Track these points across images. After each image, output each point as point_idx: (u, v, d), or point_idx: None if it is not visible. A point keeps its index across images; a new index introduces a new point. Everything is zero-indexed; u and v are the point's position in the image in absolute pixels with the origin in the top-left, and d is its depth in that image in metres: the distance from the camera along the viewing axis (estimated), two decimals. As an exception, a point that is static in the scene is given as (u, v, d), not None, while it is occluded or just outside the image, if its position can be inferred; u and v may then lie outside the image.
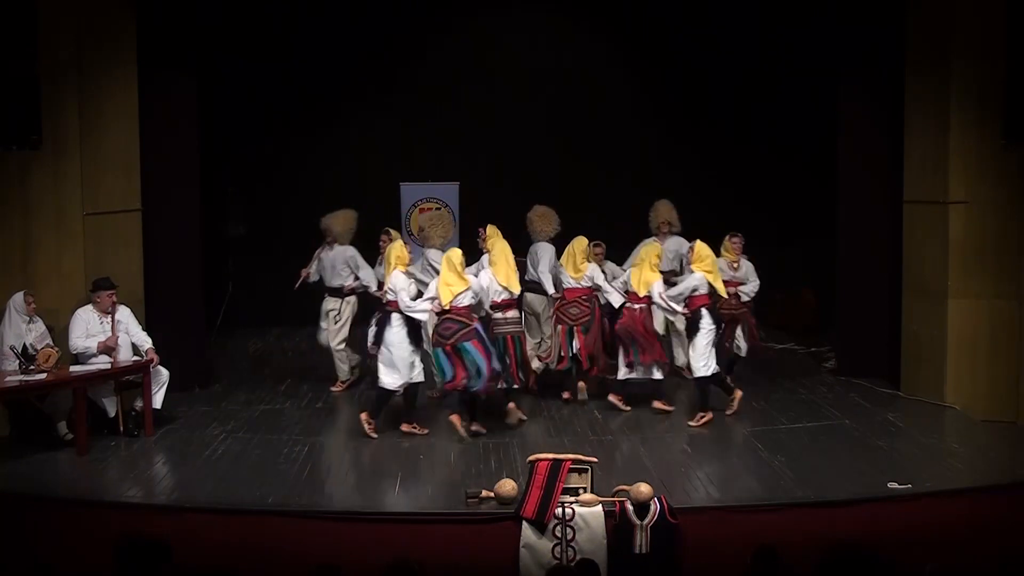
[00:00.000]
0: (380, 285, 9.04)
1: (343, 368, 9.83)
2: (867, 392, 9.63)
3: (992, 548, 6.14)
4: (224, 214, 12.76)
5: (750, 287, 9.50)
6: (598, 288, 9.20)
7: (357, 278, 9.65)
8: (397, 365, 8.27)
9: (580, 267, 9.21)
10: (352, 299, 9.77)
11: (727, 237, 9.60)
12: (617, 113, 13.01)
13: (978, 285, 9.05)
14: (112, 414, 8.41)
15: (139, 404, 8.48)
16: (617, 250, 10.29)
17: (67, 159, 8.83)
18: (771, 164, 12.41)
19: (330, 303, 9.76)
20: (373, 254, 9.72)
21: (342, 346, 9.78)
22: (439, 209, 10.46)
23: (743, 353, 9.54)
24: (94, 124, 9.02)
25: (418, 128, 12.89)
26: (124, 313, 8.60)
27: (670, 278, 9.48)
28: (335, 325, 9.70)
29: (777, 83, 12.31)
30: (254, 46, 12.19)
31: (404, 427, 8.46)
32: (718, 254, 9.24)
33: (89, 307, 8.48)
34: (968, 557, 6.14)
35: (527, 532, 6.48)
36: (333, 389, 9.81)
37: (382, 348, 8.31)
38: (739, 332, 9.44)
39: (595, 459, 6.88)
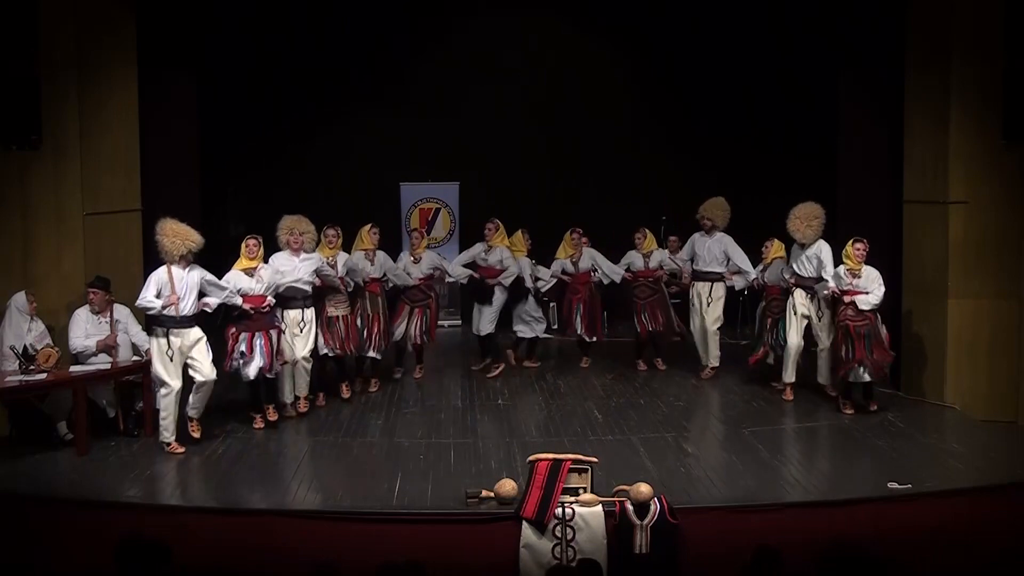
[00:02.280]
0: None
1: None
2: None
3: (992, 548, 6.15)
4: (224, 214, 12.76)
5: (871, 298, 8.63)
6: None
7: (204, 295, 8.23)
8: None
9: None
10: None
11: (850, 242, 8.78)
12: (617, 112, 13.02)
13: (978, 285, 9.05)
14: (112, 414, 8.41)
15: (139, 404, 8.48)
16: (619, 248, 10.47)
17: (67, 159, 8.82)
18: (771, 164, 12.40)
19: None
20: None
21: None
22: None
23: (866, 377, 8.69)
24: (94, 124, 9.02)
25: (418, 128, 12.90)
26: (123, 313, 8.60)
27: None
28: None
29: (777, 83, 12.31)
30: (254, 46, 12.19)
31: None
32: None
33: (88, 306, 8.47)
34: (968, 557, 6.14)
35: (527, 532, 6.47)
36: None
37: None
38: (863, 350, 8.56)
39: (595, 459, 6.87)
